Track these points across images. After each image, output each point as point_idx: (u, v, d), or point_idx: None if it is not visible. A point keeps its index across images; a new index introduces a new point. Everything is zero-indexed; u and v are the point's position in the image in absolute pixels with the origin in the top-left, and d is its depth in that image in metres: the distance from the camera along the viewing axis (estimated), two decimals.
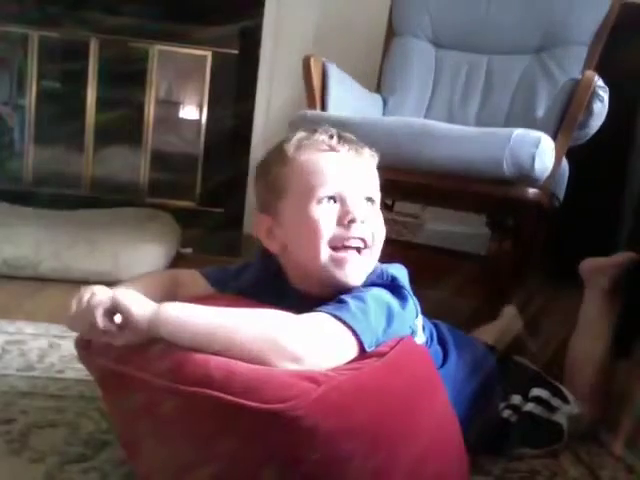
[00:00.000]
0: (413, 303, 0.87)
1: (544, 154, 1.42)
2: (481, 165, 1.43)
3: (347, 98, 1.87)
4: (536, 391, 1.10)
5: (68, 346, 1.36)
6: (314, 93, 1.77)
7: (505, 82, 2.04)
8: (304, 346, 0.72)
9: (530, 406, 1.08)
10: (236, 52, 2.56)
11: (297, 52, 1.87)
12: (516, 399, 1.09)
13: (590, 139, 1.62)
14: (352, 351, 0.76)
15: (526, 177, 1.42)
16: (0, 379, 1.20)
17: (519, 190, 1.45)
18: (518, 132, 1.44)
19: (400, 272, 0.88)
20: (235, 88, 2.59)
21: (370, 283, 0.85)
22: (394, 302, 0.83)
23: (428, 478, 0.80)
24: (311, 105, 1.78)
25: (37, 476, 0.90)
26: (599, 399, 1.16)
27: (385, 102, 2.08)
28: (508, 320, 1.41)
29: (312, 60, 1.77)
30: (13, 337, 1.40)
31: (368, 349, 0.76)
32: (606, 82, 1.53)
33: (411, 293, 0.87)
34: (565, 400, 1.11)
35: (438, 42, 2.16)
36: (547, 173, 1.44)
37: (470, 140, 1.47)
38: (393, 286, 0.85)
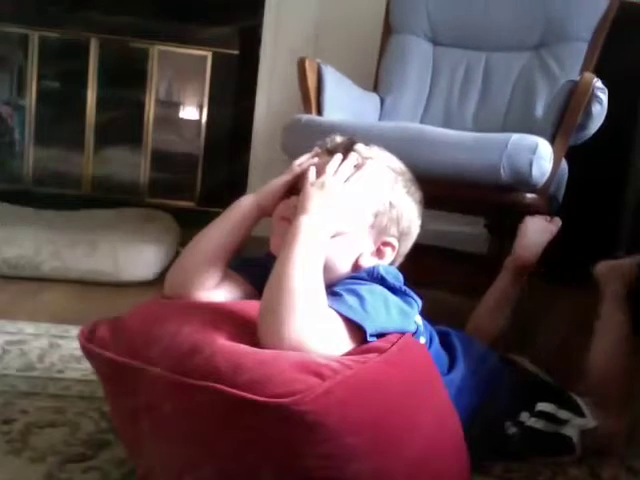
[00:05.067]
0: (412, 299, 0.88)
1: (542, 160, 1.40)
2: (478, 172, 1.42)
3: (343, 100, 1.86)
4: (541, 406, 1.06)
5: (68, 346, 1.36)
6: (309, 95, 1.75)
7: (503, 80, 2.02)
8: (302, 334, 0.73)
9: (532, 421, 1.04)
10: (236, 52, 2.56)
11: (297, 52, 1.86)
12: (524, 416, 1.05)
13: (590, 139, 1.61)
14: (351, 341, 0.77)
15: (524, 183, 1.42)
16: (0, 379, 1.21)
17: (516, 196, 1.44)
18: (515, 138, 1.42)
19: (391, 273, 0.88)
20: (235, 88, 2.59)
21: (359, 277, 0.86)
22: (388, 293, 0.84)
23: (428, 475, 0.80)
24: (307, 107, 1.76)
25: (37, 476, 0.91)
26: (622, 410, 1.09)
27: (382, 102, 2.06)
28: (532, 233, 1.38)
29: (307, 62, 1.75)
30: (14, 337, 1.41)
31: (370, 337, 0.77)
32: (605, 82, 1.51)
33: (407, 291, 0.87)
34: (577, 412, 1.06)
35: (436, 39, 2.13)
36: (545, 178, 1.43)
37: (466, 146, 1.46)
38: (383, 285, 0.85)
